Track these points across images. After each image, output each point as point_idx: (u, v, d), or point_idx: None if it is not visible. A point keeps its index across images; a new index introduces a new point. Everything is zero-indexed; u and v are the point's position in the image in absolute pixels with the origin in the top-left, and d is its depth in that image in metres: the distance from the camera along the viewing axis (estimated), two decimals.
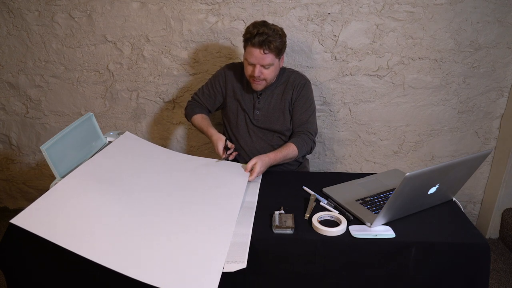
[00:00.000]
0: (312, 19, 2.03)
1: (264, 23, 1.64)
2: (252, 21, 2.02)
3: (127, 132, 1.66)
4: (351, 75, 2.13)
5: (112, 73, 2.20)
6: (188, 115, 1.91)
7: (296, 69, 1.94)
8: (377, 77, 2.13)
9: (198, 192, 1.41)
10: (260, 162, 1.56)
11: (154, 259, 1.09)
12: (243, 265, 1.11)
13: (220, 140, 1.69)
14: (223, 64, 1.97)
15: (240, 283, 1.22)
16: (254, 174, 1.52)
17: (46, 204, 1.16)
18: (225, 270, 1.09)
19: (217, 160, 1.65)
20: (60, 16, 2.10)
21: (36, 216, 1.12)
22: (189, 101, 1.95)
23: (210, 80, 1.90)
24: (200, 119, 1.85)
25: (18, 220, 1.09)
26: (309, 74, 2.09)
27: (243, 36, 1.66)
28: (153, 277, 1.03)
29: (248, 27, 1.65)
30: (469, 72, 2.12)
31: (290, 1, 2.00)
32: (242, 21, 2.05)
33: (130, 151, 1.56)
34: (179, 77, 2.19)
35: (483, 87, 2.15)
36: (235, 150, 1.79)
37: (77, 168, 1.32)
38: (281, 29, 1.67)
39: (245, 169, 1.56)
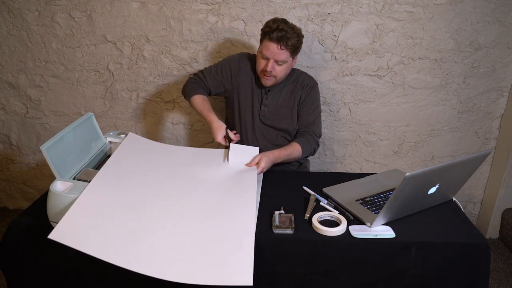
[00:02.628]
0: (312, 19, 2.03)
1: (284, 21, 1.65)
2: (252, 21, 2.04)
3: (130, 133, 1.64)
4: (351, 75, 2.13)
5: (112, 73, 2.20)
6: (188, 94, 1.80)
7: (298, 69, 1.94)
8: (377, 77, 2.13)
9: (214, 188, 1.42)
10: (265, 158, 1.55)
11: (187, 258, 1.10)
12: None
13: (220, 129, 1.65)
14: None
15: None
16: (259, 169, 1.52)
17: (76, 217, 1.16)
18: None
19: (226, 160, 1.60)
20: (60, 16, 2.10)
21: (69, 230, 1.12)
22: (190, 78, 1.86)
23: (221, 63, 1.84)
24: (201, 100, 1.77)
25: (54, 235, 1.08)
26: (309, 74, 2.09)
27: (262, 30, 1.67)
28: (191, 276, 1.05)
29: (268, 22, 1.66)
30: (469, 72, 2.12)
31: (290, 1, 2.00)
32: (242, 21, 2.05)
33: (139, 153, 1.56)
34: (179, 77, 2.19)
35: (483, 87, 2.15)
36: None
37: (93, 178, 1.31)
38: (300, 29, 1.67)
39: (249, 164, 1.55)
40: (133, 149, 1.56)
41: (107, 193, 1.27)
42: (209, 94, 1.86)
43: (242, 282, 1.04)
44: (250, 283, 1.03)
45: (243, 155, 1.59)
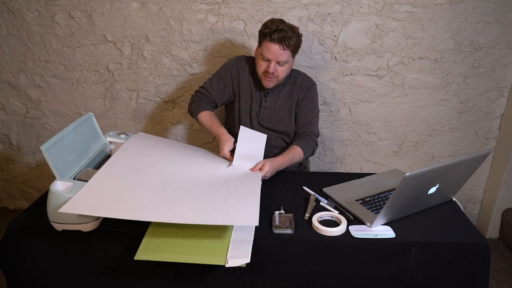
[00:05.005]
0: (312, 19, 2.03)
1: (282, 21, 1.64)
2: (252, 21, 2.04)
3: (140, 132, 1.67)
4: (351, 75, 2.13)
5: (112, 73, 2.20)
6: (194, 112, 1.78)
7: (297, 69, 1.94)
8: (377, 77, 2.13)
9: (220, 174, 1.49)
10: (269, 163, 1.51)
11: (199, 206, 1.21)
12: (247, 260, 1.11)
13: (228, 142, 1.60)
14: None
15: (240, 283, 1.23)
16: (263, 173, 1.49)
17: (91, 191, 1.20)
18: (229, 265, 1.09)
19: (228, 164, 1.56)
20: (60, 16, 2.10)
21: (86, 201, 1.16)
22: (194, 96, 1.84)
23: (220, 71, 1.82)
24: (208, 116, 1.75)
25: (68, 207, 1.11)
26: (309, 74, 2.09)
27: (261, 31, 1.64)
28: (205, 218, 1.15)
29: (266, 23, 1.64)
30: (469, 72, 2.12)
31: (290, 1, 2.00)
32: (242, 21, 2.05)
33: (149, 143, 1.61)
34: (179, 77, 2.19)
35: (483, 87, 2.15)
36: None
37: (105, 164, 1.37)
38: (298, 28, 1.66)
39: (253, 169, 1.51)
40: (142, 141, 1.61)
41: (120, 172, 1.34)
42: (215, 107, 1.84)
43: (249, 222, 1.13)
44: (256, 224, 1.12)
45: (251, 139, 1.61)
